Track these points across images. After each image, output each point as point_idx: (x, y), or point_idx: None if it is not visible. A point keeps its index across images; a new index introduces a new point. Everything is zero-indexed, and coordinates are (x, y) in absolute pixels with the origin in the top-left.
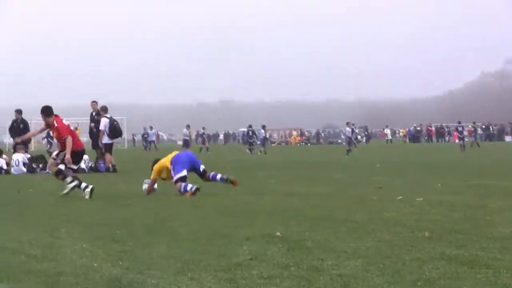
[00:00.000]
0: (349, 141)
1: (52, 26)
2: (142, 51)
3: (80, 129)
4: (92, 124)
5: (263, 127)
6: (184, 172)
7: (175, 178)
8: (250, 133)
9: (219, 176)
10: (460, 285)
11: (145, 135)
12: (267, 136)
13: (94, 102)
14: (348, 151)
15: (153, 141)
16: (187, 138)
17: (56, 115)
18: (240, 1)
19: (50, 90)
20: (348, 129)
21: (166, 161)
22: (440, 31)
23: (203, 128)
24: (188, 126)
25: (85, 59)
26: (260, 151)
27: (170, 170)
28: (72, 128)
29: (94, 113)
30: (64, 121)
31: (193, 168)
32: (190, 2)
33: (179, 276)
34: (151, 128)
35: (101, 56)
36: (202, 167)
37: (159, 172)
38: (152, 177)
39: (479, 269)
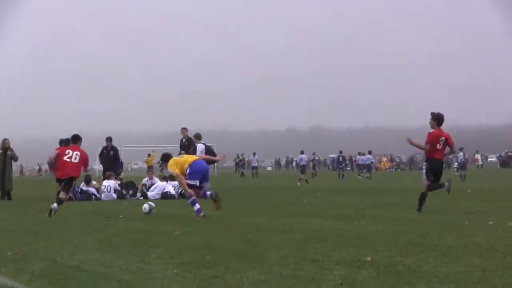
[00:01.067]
0: (463, 166)
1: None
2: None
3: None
4: (183, 152)
5: (370, 152)
6: (197, 182)
7: (187, 181)
8: (341, 159)
9: (208, 193)
10: None
11: (241, 161)
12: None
13: (184, 129)
14: (461, 176)
15: (256, 167)
16: (304, 163)
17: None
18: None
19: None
20: (461, 153)
21: (185, 162)
22: None
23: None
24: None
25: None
26: (367, 177)
27: (185, 170)
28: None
29: (184, 140)
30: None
31: (201, 179)
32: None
33: None
34: (254, 154)
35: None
36: (204, 183)
37: (177, 165)
38: (175, 172)
39: None
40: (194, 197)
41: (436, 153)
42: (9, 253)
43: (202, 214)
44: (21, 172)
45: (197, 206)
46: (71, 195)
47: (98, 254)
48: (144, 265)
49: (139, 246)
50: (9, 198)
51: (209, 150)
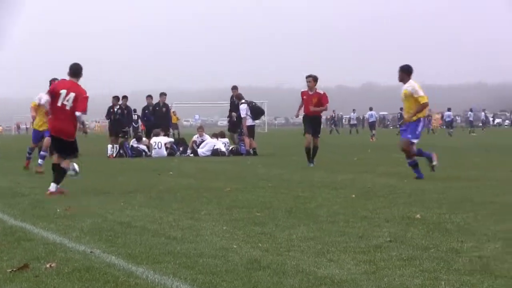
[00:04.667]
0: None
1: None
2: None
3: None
4: (233, 113)
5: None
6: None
7: (413, 136)
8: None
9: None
10: None
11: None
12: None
13: (234, 88)
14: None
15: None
16: (373, 120)
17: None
18: None
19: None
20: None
21: None
22: None
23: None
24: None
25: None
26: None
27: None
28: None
29: (234, 98)
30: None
31: None
32: None
33: (319, 257)
34: (354, 110)
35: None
36: None
37: None
38: None
39: None
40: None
41: None
42: (58, 210)
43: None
44: None
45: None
46: (121, 151)
47: (149, 210)
48: (193, 221)
49: (189, 203)
50: None
51: (253, 107)
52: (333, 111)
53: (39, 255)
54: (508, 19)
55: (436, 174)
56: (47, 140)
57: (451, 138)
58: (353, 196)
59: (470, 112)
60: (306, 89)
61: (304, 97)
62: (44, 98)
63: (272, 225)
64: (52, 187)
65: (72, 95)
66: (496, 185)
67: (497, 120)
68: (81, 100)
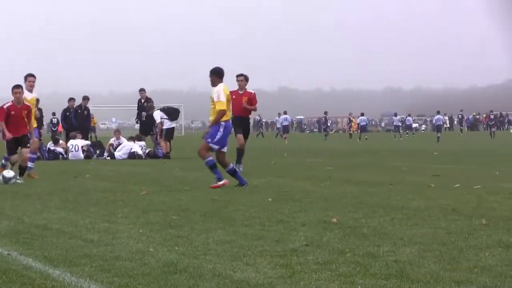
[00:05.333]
0: (439, 128)
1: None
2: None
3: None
4: (144, 113)
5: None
6: (217, 148)
7: (212, 140)
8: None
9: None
10: None
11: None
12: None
13: (142, 90)
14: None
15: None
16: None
17: None
18: None
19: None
20: (439, 116)
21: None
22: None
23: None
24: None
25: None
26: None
27: (217, 122)
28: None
29: (143, 101)
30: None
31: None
32: None
33: (235, 261)
34: (285, 112)
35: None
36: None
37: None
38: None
39: None
40: (209, 160)
41: None
42: None
43: (222, 182)
44: None
45: (221, 181)
46: (38, 154)
47: (64, 213)
48: (110, 224)
49: (105, 205)
50: None
51: (167, 109)
52: (259, 114)
53: None
54: (414, 24)
55: (352, 178)
56: (35, 142)
57: (368, 142)
58: (270, 200)
59: (394, 117)
60: (236, 88)
61: (234, 96)
62: None
63: (188, 229)
64: None
65: None
66: (412, 190)
67: (414, 125)
68: None
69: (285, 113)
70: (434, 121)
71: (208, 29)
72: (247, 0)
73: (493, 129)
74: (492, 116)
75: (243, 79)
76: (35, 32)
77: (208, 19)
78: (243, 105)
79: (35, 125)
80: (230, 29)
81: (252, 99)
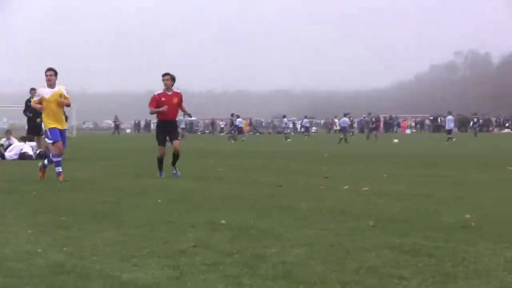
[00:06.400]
0: (345, 130)
1: None
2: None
3: None
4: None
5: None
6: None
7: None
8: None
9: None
10: (402, 273)
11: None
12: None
13: (33, 90)
14: (342, 139)
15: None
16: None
17: None
18: None
19: None
20: (345, 119)
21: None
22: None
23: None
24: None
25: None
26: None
27: None
28: None
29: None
30: None
31: None
32: None
33: (123, 262)
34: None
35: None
36: None
37: None
38: None
39: (421, 258)
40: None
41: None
42: None
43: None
44: None
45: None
46: None
47: None
48: None
49: None
50: None
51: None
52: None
53: None
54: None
55: (244, 179)
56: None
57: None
58: (159, 201)
59: (305, 120)
60: (160, 91)
61: (163, 99)
62: None
63: (77, 229)
64: None
65: None
66: (302, 191)
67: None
68: None
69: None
70: (341, 123)
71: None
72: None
73: (374, 132)
74: (373, 119)
75: (169, 78)
76: None
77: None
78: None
79: None
80: None
81: (181, 100)
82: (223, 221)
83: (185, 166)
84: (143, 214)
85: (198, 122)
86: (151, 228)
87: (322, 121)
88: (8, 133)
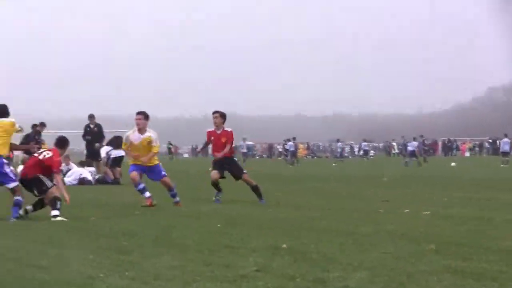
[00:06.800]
0: (413, 154)
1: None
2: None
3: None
4: (97, 144)
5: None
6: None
7: None
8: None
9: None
10: None
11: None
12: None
13: (92, 117)
14: (410, 162)
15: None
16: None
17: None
18: None
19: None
20: (414, 143)
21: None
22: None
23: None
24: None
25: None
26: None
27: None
28: None
29: (92, 126)
30: None
31: None
32: None
33: (185, 286)
34: (289, 140)
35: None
36: None
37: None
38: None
39: (484, 282)
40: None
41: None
42: None
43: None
44: None
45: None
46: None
47: (11, 241)
48: (61, 250)
49: (56, 232)
50: None
51: (113, 139)
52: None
53: None
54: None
55: (301, 203)
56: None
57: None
58: (219, 225)
59: (363, 143)
60: (212, 128)
61: (212, 137)
62: None
63: (138, 254)
64: None
65: None
66: (363, 215)
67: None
68: None
69: None
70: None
71: None
72: None
73: (423, 156)
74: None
75: (218, 116)
76: None
77: None
78: (219, 154)
79: None
80: None
81: (230, 139)
82: (284, 245)
83: (241, 191)
84: (203, 238)
85: (255, 146)
86: (211, 252)
87: (381, 145)
88: (66, 158)
